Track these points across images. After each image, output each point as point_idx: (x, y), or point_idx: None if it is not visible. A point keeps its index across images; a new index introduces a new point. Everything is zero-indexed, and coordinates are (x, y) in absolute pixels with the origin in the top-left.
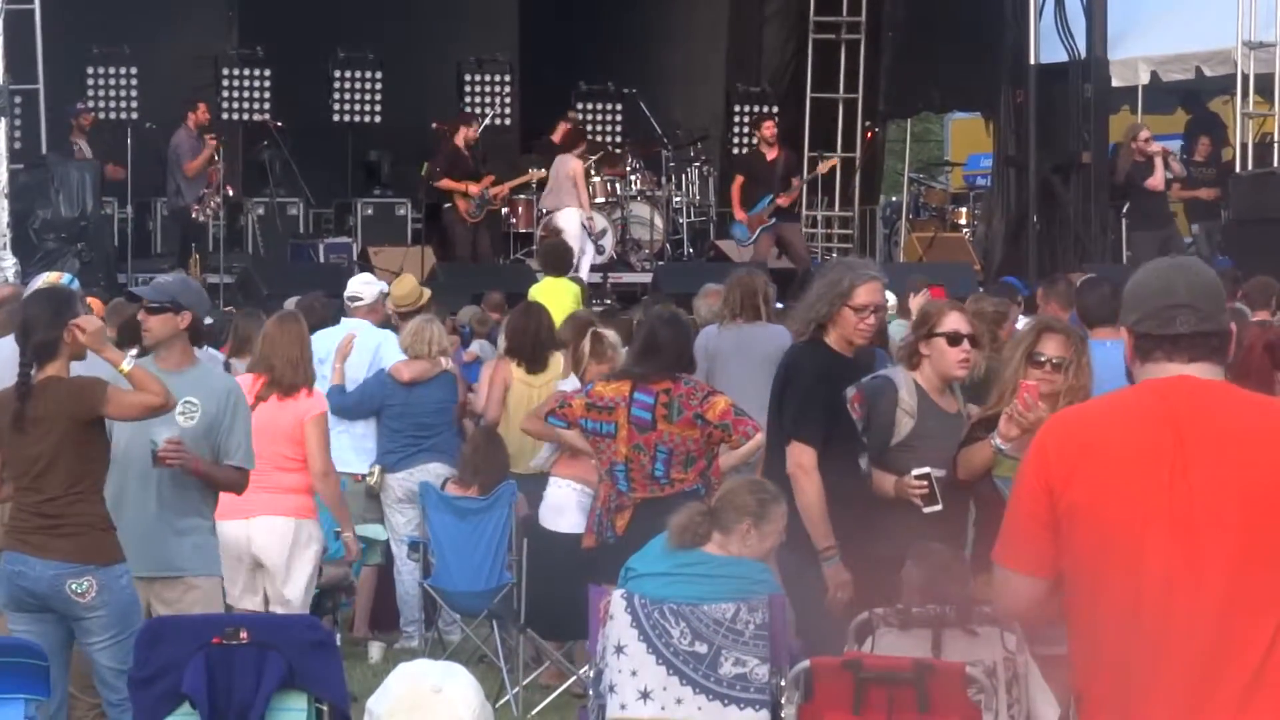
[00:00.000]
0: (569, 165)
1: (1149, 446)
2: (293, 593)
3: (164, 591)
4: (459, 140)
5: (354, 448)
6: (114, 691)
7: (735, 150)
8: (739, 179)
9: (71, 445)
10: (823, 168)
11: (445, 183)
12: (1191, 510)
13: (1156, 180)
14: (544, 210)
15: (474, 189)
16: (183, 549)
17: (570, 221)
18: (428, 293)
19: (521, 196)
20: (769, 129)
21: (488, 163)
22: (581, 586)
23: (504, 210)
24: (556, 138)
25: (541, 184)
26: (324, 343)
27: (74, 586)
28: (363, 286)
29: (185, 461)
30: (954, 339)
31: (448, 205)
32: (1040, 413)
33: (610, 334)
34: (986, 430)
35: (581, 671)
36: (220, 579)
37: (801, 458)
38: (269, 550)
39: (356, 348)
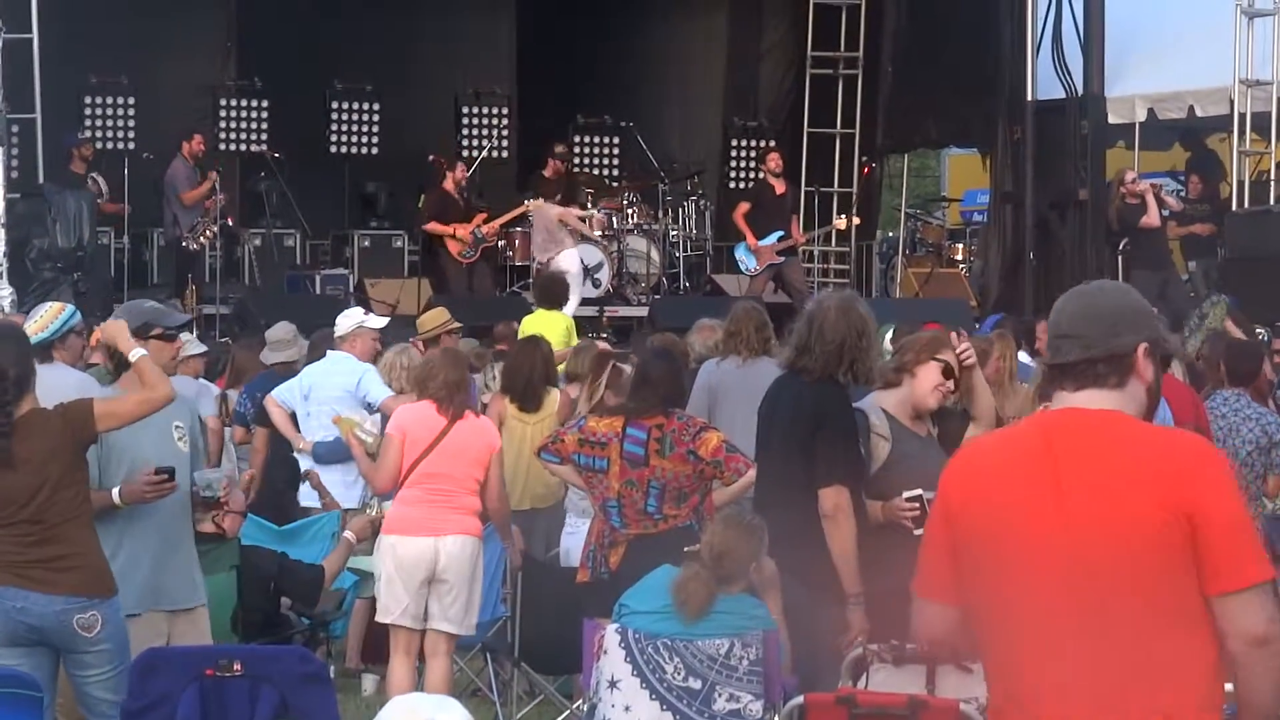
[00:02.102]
0: (550, 214)
1: (1031, 480)
2: (470, 615)
3: (183, 623)
4: (448, 184)
5: (343, 482)
6: None
7: (732, 184)
8: (744, 206)
9: (70, 473)
10: (839, 223)
11: (432, 226)
12: (1077, 544)
13: (1152, 218)
14: (541, 262)
15: (463, 231)
16: (195, 578)
17: (571, 262)
18: (457, 325)
19: (519, 229)
20: (775, 162)
21: (484, 196)
22: (576, 621)
23: (500, 243)
24: (548, 172)
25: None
26: (309, 378)
27: (81, 621)
28: (339, 320)
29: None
30: (948, 371)
31: (441, 248)
32: None
33: (627, 368)
34: None
35: (576, 706)
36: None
37: (840, 499)
38: (451, 569)
39: (337, 383)
